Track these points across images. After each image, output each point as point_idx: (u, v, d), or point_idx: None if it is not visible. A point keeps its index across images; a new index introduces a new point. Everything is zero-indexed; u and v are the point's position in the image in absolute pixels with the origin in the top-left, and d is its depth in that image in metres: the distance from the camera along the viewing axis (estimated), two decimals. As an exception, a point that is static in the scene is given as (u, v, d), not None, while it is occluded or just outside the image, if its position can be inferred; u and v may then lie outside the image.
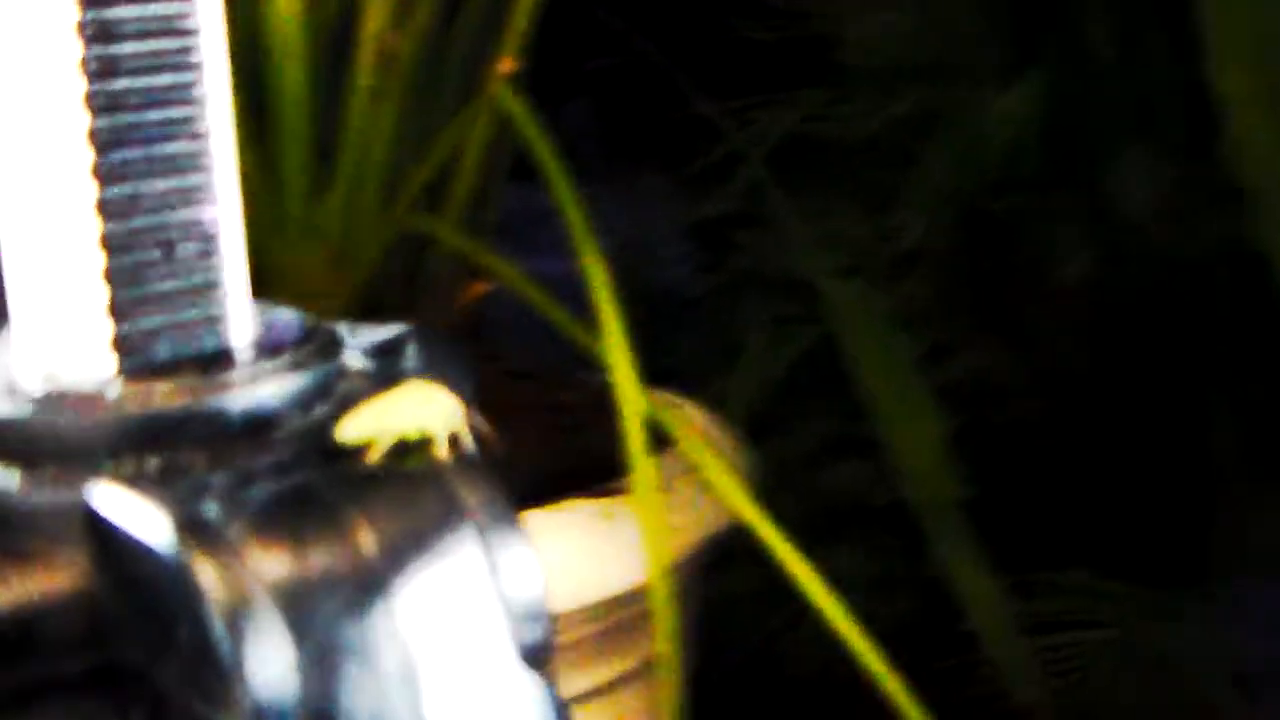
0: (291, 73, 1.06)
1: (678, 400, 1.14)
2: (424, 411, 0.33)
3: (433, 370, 0.38)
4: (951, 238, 1.34)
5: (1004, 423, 1.39)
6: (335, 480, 0.30)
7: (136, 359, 0.32)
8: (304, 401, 0.32)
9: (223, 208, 0.33)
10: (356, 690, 0.28)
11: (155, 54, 0.31)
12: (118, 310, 0.32)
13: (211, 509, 0.29)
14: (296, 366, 0.32)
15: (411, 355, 0.37)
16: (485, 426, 0.36)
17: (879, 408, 1.20)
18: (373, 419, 0.32)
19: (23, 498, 0.30)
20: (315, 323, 0.35)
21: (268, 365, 0.32)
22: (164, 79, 0.31)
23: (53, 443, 0.30)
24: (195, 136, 0.32)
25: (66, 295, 0.32)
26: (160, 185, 0.32)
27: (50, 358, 0.32)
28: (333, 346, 0.34)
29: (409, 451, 0.33)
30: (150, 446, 0.30)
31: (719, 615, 1.16)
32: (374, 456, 0.32)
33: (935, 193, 1.31)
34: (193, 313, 0.32)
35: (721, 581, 1.13)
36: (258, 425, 0.31)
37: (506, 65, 1.09)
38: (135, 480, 0.29)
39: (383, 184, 1.08)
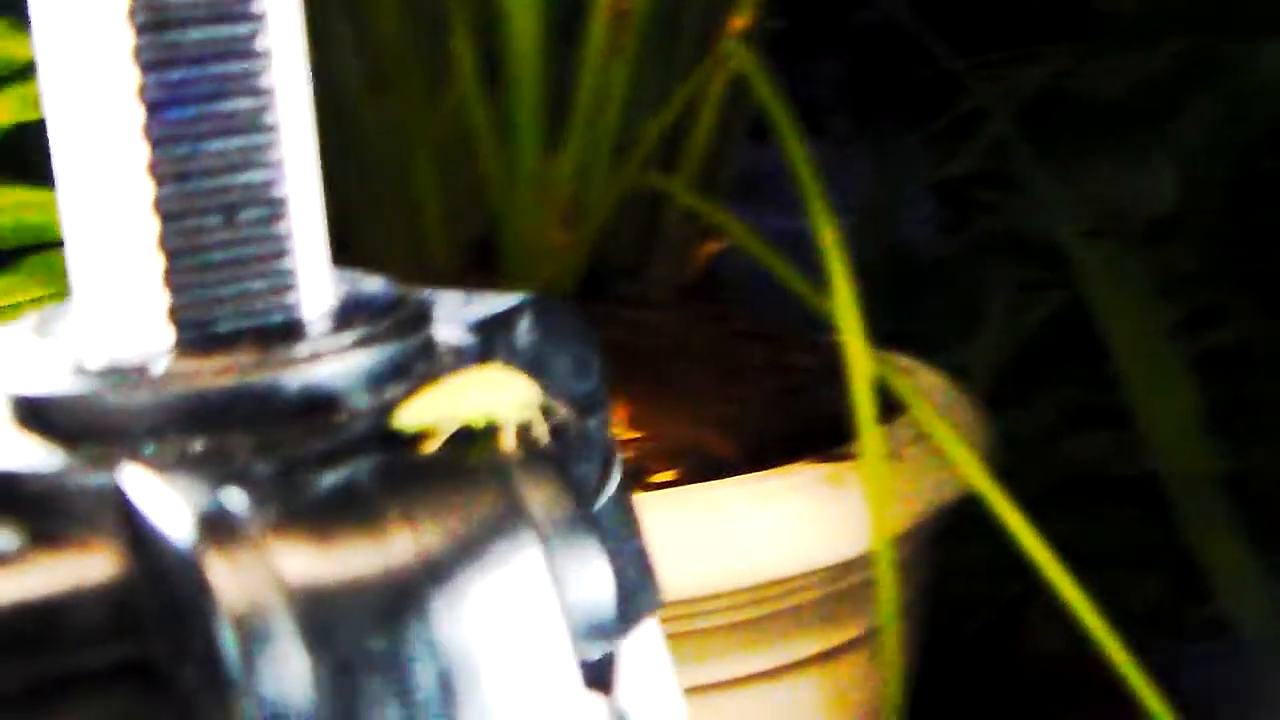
0: (524, 30, 1.04)
1: (913, 365, 1.10)
2: (494, 398, 0.30)
3: (549, 347, 0.35)
4: (1214, 199, 1.26)
5: (1268, 393, 1.32)
6: (382, 473, 0.27)
7: (194, 332, 0.29)
8: (374, 381, 0.29)
9: (293, 169, 0.30)
10: (383, 708, 0.26)
11: (210, 5, 0.28)
12: (173, 280, 0.29)
13: (240, 500, 0.26)
14: (371, 341, 0.30)
15: (525, 331, 0.34)
16: (573, 418, 0.32)
17: (1130, 376, 1.14)
18: (435, 404, 0.29)
19: (60, 478, 0.27)
20: (406, 292, 0.32)
21: (338, 340, 0.29)
22: (221, 31, 0.29)
23: (95, 420, 0.28)
24: (256, 93, 0.29)
25: (120, 264, 0.29)
26: (219, 146, 0.29)
27: (106, 331, 0.30)
28: (420, 319, 0.31)
29: (473, 443, 0.30)
30: (195, 427, 0.28)
31: (955, 586, 1.12)
32: (430, 446, 0.29)
33: (1197, 152, 1.24)
34: (257, 283, 0.29)
35: (959, 552, 1.08)
36: (316, 407, 0.28)
37: (740, 22, 1.05)
38: (171, 464, 0.27)
39: (616, 141, 1.05)
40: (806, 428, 1.08)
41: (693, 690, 1.00)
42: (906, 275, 1.32)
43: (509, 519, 0.28)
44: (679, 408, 1.03)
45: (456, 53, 1.07)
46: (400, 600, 0.26)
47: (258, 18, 0.29)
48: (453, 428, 0.29)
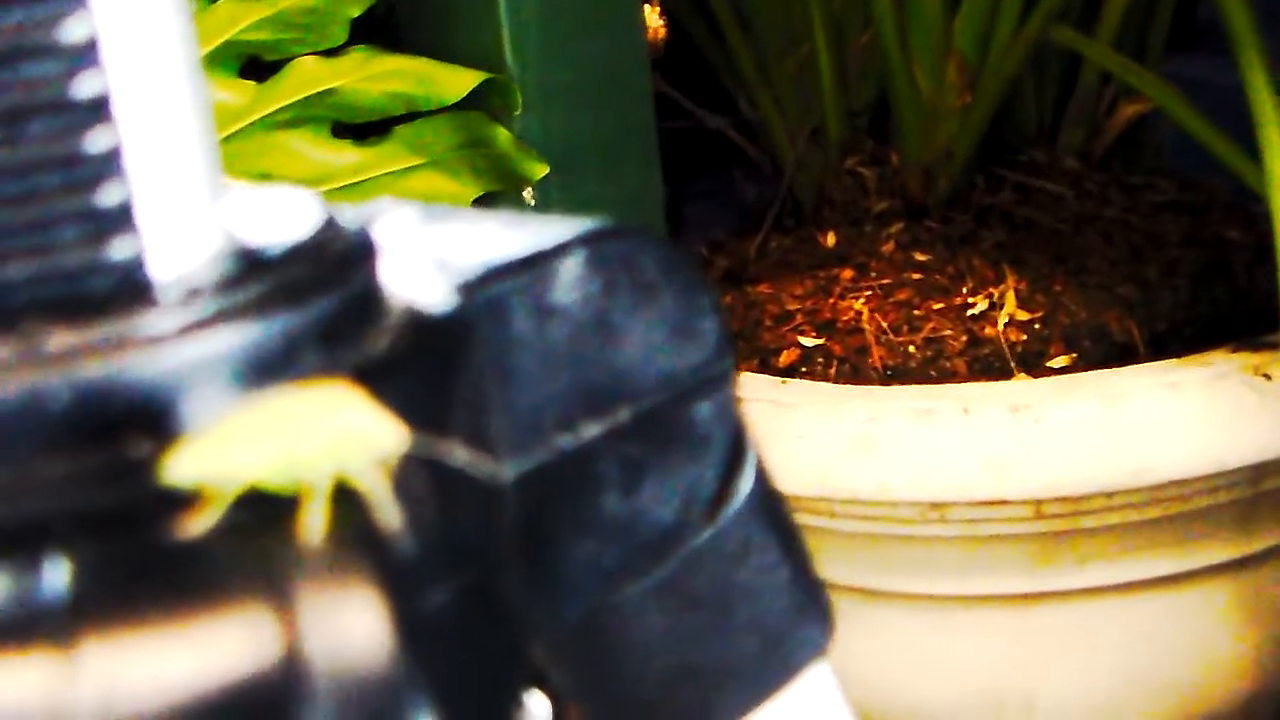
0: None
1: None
2: (307, 443, 0.18)
3: (620, 305, 0.22)
4: None
5: None
6: (91, 573, 0.15)
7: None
8: (224, 380, 0.17)
9: (123, 51, 0.18)
10: None
11: None
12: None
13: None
14: (231, 316, 0.18)
15: (574, 283, 0.21)
16: (479, 468, 0.19)
17: None
18: (216, 451, 0.17)
19: None
20: (346, 226, 0.20)
21: (174, 316, 0.18)
22: None
23: None
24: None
25: None
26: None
27: None
28: (339, 271, 0.19)
29: (270, 513, 0.17)
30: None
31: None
32: (200, 521, 0.17)
33: None
34: (63, 230, 0.18)
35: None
36: (101, 427, 0.17)
37: None
38: None
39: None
40: (1229, 311, 0.91)
41: (1075, 594, 0.86)
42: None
43: (265, 676, 0.15)
44: (1081, 285, 0.87)
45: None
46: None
47: None
48: (233, 492, 0.17)
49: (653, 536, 0.24)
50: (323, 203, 0.20)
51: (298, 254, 0.19)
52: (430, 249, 0.21)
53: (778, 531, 0.26)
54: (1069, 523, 0.81)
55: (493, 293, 0.20)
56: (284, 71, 0.80)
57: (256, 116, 0.80)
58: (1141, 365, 0.83)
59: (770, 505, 0.26)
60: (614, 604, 0.24)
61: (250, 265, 0.19)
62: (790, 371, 0.88)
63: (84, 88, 0.18)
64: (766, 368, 0.88)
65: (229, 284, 0.18)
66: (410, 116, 0.81)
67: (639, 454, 0.23)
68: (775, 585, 0.26)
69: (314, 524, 0.17)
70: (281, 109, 0.80)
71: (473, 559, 0.18)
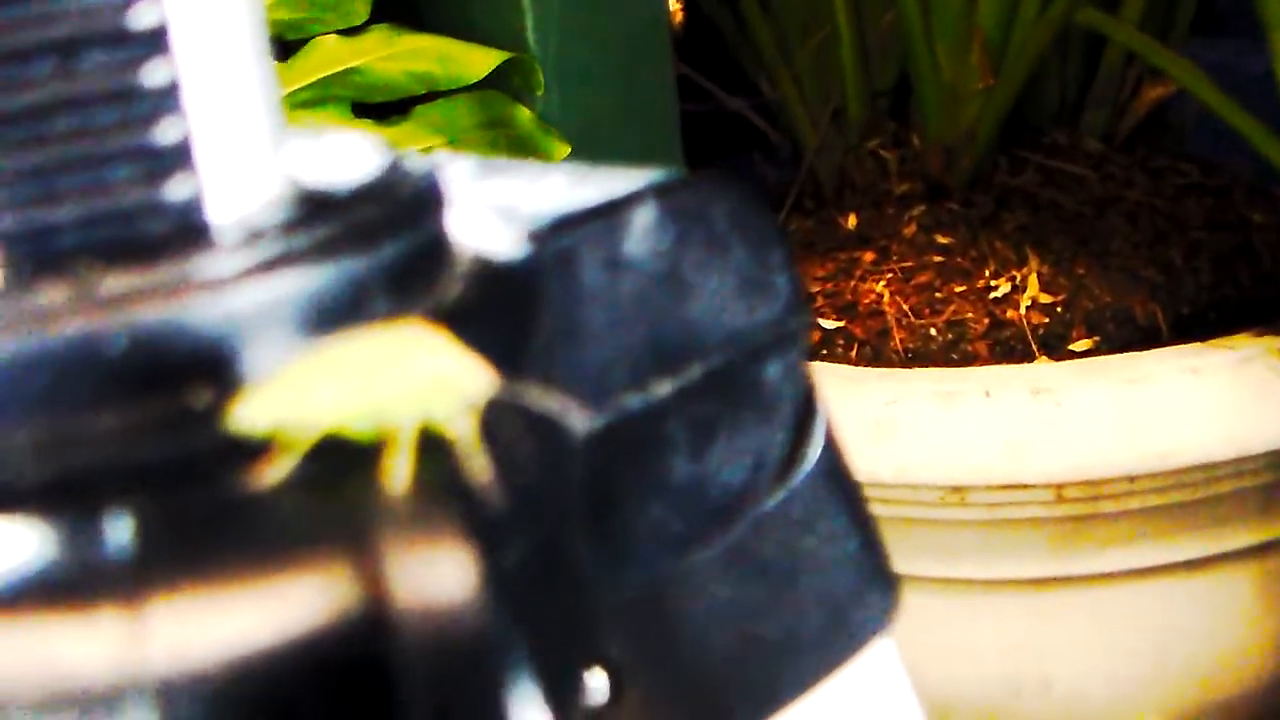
0: None
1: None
2: (388, 387, 0.16)
3: (692, 257, 0.21)
4: None
5: None
6: (152, 533, 0.14)
7: (23, 250, 0.17)
8: (285, 327, 0.16)
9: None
10: None
11: None
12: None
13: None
14: (291, 260, 0.16)
15: (646, 232, 0.20)
16: (559, 415, 0.17)
17: None
18: (289, 396, 0.16)
19: None
20: (415, 171, 0.19)
21: (233, 260, 0.16)
22: None
23: None
24: None
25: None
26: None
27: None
28: (408, 217, 0.18)
29: (349, 462, 0.16)
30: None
31: None
32: (273, 471, 0.16)
33: None
34: (117, 169, 0.17)
35: None
36: (160, 376, 0.16)
37: None
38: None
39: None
40: (1253, 294, 0.90)
41: (1096, 578, 0.85)
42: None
43: (350, 631, 0.14)
44: (1104, 268, 0.86)
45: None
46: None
47: None
48: (309, 440, 0.16)
49: (720, 501, 0.22)
50: (388, 145, 0.19)
51: (365, 195, 0.18)
52: (497, 199, 0.20)
53: (846, 500, 0.25)
54: (1090, 507, 0.80)
55: (563, 243, 0.19)
56: (305, 50, 0.79)
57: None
58: (1165, 349, 0.82)
59: (838, 473, 0.24)
60: (679, 572, 0.22)
61: (316, 207, 0.17)
62: (811, 354, 0.87)
63: (142, 18, 0.17)
64: (787, 350, 0.87)
65: (293, 226, 0.17)
66: (431, 96, 0.80)
67: (709, 414, 0.22)
68: (842, 555, 0.24)
69: (399, 473, 0.16)
70: (303, 88, 0.79)
71: (547, 514, 0.17)
